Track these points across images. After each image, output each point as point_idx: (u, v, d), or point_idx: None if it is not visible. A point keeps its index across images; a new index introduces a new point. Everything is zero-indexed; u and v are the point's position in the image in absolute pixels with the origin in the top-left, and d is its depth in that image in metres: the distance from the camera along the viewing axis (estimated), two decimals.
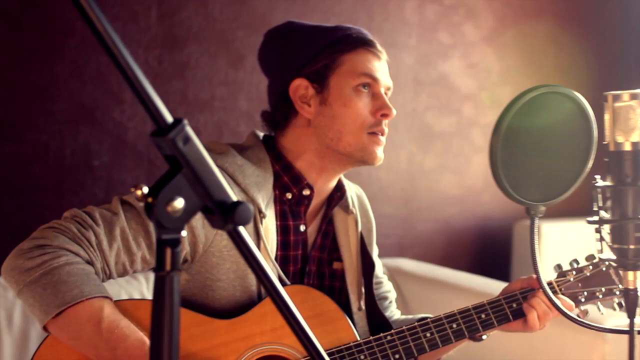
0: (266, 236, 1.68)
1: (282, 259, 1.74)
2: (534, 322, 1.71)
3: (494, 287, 2.90)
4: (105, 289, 1.52)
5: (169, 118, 0.77)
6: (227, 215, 0.78)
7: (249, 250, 0.82)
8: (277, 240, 1.73)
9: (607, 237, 1.08)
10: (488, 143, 1.14)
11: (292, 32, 1.80)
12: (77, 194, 3.13)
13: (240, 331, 1.60)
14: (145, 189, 0.77)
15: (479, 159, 4.00)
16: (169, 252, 0.77)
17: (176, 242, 0.77)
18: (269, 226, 1.70)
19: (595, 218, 1.08)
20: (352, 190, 1.93)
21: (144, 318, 1.53)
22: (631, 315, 1.06)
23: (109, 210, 1.58)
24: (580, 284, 1.77)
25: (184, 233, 0.80)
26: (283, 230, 1.75)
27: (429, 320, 1.71)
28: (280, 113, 1.78)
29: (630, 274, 1.07)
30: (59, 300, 1.45)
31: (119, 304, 1.53)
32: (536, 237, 1.14)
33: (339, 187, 1.84)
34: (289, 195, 1.75)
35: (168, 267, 0.77)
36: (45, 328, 1.49)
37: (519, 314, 1.74)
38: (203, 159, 0.78)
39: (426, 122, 3.90)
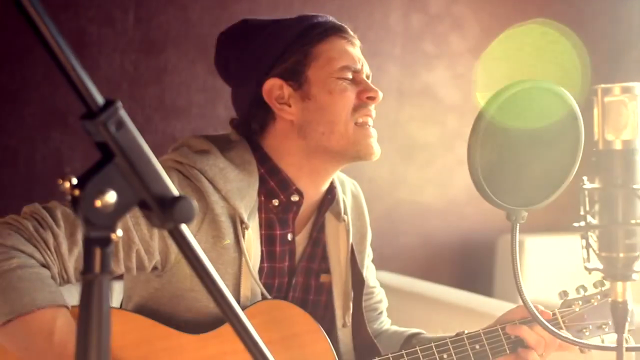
0: (248, 249, 1.54)
1: (267, 272, 1.61)
2: None
3: (476, 301, 2.85)
4: (61, 296, 1.38)
5: (100, 99, 0.67)
6: (166, 211, 0.69)
7: (193, 252, 0.73)
8: (262, 251, 1.60)
9: (595, 245, 0.99)
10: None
11: (251, 30, 1.66)
12: (48, 202, 3.04)
13: (210, 348, 1.48)
14: (74, 180, 0.68)
15: (463, 172, 3.92)
16: (98, 252, 0.67)
17: (106, 242, 0.67)
18: (252, 237, 1.56)
19: (582, 223, 1.00)
20: (348, 188, 1.79)
21: None
22: (620, 330, 0.97)
23: None
24: (586, 316, 1.63)
25: (119, 232, 0.70)
26: (268, 241, 1.62)
27: (417, 349, 1.58)
28: (256, 120, 1.63)
29: (619, 284, 0.98)
30: (7, 308, 1.32)
31: (75, 312, 1.39)
32: (517, 245, 1.06)
33: (330, 189, 1.69)
34: (275, 202, 1.61)
35: (97, 269, 0.67)
36: None
37: (517, 347, 1.61)
38: (139, 146, 0.68)
39: (409, 133, 3.84)
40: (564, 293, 1.66)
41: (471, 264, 4.01)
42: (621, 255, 0.97)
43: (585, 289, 1.66)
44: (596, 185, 0.99)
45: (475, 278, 3.94)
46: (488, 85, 3.98)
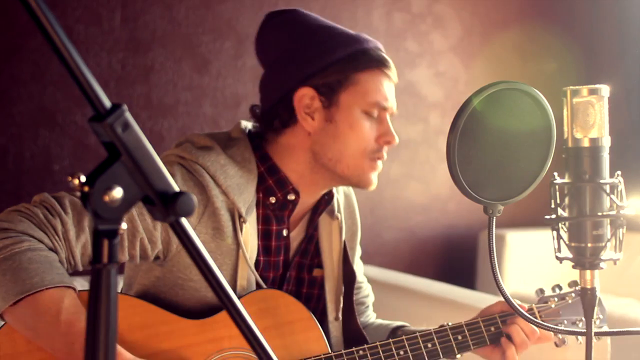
0: (246, 242, 1.60)
1: (264, 265, 1.67)
2: (512, 357, 1.65)
3: (459, 294, 2.89)
4: (68, 278, 1.42)
5: (108, 103, 0.73)
6: (168, 206, 0.74)
7: (192, 243, 0.79)
8: (258, 245, 1.66)
9: (565, 236, 1.06)
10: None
11: (303, 29, 1.65)
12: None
13: (209, 333, 1.54)
14: (83, 178, 0.73)
15: (445, 168, 3.96)
16: (106, 243, 0.73)
17: (114, 234, 0.73)
18: (250, 231, 1.62)
19: (553, 216, 1.06)
20: (340, 188, 1.84)
21: None
22: (588, 316, 1.04)
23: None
24: (561, 312, 1.71)
25: (124, 225, 0.76)
26: (264, 235, 1.67)
27: (404, 337, 1.64)
28: (280, 119, 1.66)
29: (588, 272, 1.05)
30: (18, 287, 1.35)
31: (82, 296, 1.43)
32: (494, 237, 1.12)
33: (327, 192, 1.75)
34: (272, 200, 1.66)
35: (105, 259, 0.73)
36: (1, 316, 1.40)
37: (496, 338, 1.68)
38: (143, 146, 0.74)
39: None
40: (540, 290, 1.74)
41: (454, 258, 4.07)
42: (589, 245, 1.04)
43: (560, 288, 1.74)
44: (566, 180, 1.06)
45: (458, 271, 4.00)
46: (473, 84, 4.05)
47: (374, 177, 1.67)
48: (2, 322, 1.42)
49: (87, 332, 0.73)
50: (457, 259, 4.07)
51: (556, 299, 1.73)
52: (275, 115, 1.66)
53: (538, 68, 4.18)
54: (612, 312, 3.08)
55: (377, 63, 1.65)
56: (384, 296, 3.08)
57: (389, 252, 3.89)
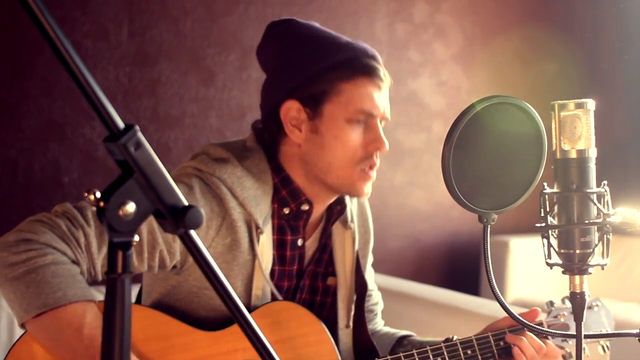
0: (262, 253, 1.63)
1: (278, 274, 1.70)
2: None
3: (463, 301, 2.92)
4: (90, 291, 1.45)
5: (121, 124, 0.78)
6: (178, 219, 0.80)
7: (201, 254, 0.84)
8: (274, 255, 1.68)
9: (555, 243, 1.11)
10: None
11: (294, 39, 1.67)
12: (47, 211, 3.11)
13: (223, 345, 1.56)
14: (98, 194, 0.78)
15: None
16: (120, 255, 0.78)
17: (127, 246, 0.78)
18: (266, 242, 1.64)
19: (543, 224, 1.11)
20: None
21: None
22: (578, 319, 1.09)
23: None
24: (570, 326, 1.72)
25: (136, 237, 0.81)
26: (279, 245, 1.69)
27: (414, 352, 1.65)
28: (269, 133, 1.68)
29: (577, 278, 1.09)
30: (41, 301, 1.38)
31: (99, 306, 1.45)
32: (489, 245, 1.17)
33: (340, 200, 1.76)
34: (286, 211, 1.68)
35: (119, 269, 0.78)
36: (23, 325, 1.43)
37: (506, 353, 1.69)
38: (154, 163, 0.79)
39: (396, 138, 3.93)
40: (550, 303, 1.75)
41: (458, 265, 4.10)
42: (577, 251, 1.09)
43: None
44: (555, 190, 1.11)
45: (462, 278, 4.03)
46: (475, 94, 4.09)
47: (365, 186, 1.66)
48: (22, 332, 1.47)
49: (103, 339, 0.78)
50: (461, 266, 4.09)
51: (565, 312, 1.74)
52: (266, 130, 1.69)
53: (539, 74, 4.21)
54: (615, 317, 3.10)
55: (362, 71, 1.62)
56: (389, 303, 3.11)
57: (394, 260, 3.93)
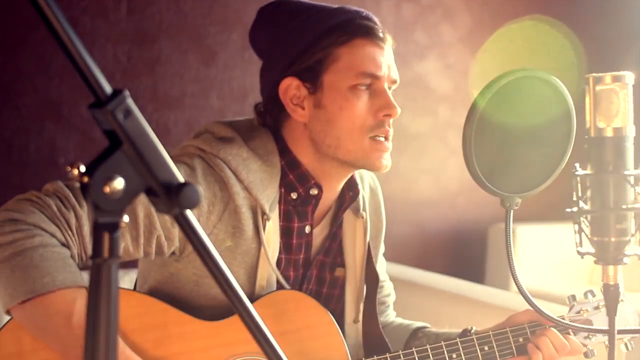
0: (268, 240, 1.52)
1: (285, 263, 1.59)
2: None
3: (468, 289, 2.87)
4: (81, 277, 1.35)
5: (109, 89, 0.69)
6: (172, 197, 0.70)
7: (198, 237, 0.75)
8: (280, 242, 1.57)
9: (587, 230, 1.02)
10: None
11: (285, 15, 1.57)
12: None
13: (222, 336, 1.47)
14: (83, 168, 0.69)
15: (455, 161, 3.96)
16: (106, 237, 0.69)
17: (115, 227, 0.69)
18: (272, 229, 1.53)
19: (574, 209, 1.02)
20: (366, 182, 1.74)
21: (122, 309, 1.40)
22: (611, 313, 1.00)
23: None
24: (593, 322, 1.60)
25: (126, 218, 0.72)
26: (286, 232, 1.58)
27: (427, 347, 1.55)
28: (270, 116, 1.57)
29: (611, 268, 1.00)
30: (28, 286, 1.29)
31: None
32: (511, 231, 1.08)
33: (352, 186, 1.64)
34: (294, 195, 1.56)
35: (106, 253, 0.69)
36: (8, 312, 1.34)
37: (525, 350, 1.58)
38: (146, 134, 0.70)
39: (401, 123, 3.84)
40: (572, 297, 1.64)
41: (463, 253, 4.05)
42: (613, 239, 1.00)
43: (593, 294, 1.64)
44: (588, 171, 1.02)
45: (467, 266, 3.98)
46: (482, 78, 4.01)
47: (381, 158, 1.53)
48: (7, 318, 1.38)
49: (87, 329, 0.69)
50: (466, 253, 4.05)
51: (588, 308, 1.62)
52: (267, 113, 1.59)
53: (549, 59, 4.13)
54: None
55: (357, 33, 1.51)
56: (394, 291, 3.05)
57: (398, 247, 3.86)
